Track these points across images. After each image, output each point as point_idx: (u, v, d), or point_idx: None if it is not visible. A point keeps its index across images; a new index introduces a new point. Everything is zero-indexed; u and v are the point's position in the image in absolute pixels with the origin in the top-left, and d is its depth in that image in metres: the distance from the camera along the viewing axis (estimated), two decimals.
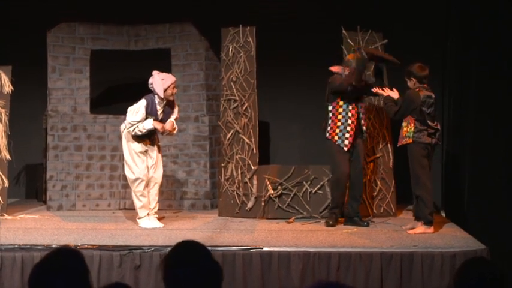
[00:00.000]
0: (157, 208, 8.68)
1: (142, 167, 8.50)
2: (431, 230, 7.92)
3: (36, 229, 8.36)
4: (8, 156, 9.53)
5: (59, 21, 10.39)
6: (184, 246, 3.49)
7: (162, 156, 9.32)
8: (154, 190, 8.60)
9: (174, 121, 8.61)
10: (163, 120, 8.54)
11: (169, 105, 8.59)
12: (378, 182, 9.24)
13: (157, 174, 8.60)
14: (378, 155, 9.27)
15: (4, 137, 9.52)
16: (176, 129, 8.69)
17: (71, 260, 3.29)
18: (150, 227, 8.43)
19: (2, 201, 9.42)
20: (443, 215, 9.52)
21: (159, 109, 8.50)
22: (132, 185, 8.57)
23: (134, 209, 8.73)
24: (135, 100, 8.58)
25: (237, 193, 9.33)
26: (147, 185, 8.54)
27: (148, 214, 8.53)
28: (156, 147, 8.61)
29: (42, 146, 10.95)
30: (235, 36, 9.56)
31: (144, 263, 6.94)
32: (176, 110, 8.69)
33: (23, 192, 11.75)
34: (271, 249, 7.03)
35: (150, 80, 8.45)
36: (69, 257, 3.30)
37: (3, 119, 9.55)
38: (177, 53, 10.37)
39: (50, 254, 3.35)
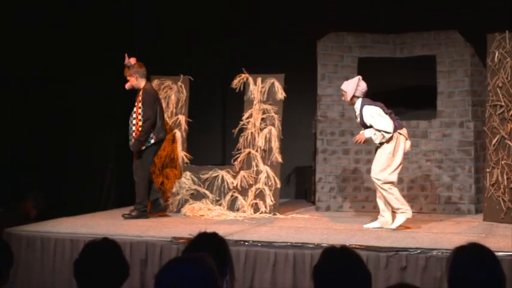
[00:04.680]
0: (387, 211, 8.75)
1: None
2: None
3: (307, 228, 8.73)
4: (280, 159, 10.13)
5: (328, 31, 10.81)
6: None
7: (427, 161, 9.53)
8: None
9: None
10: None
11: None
12: None
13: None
14: None
15: (277, 141, 10.13)
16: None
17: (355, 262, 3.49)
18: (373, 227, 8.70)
19: (274, 201, 10.01)
20: None
21: None
22: None
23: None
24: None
25: (502, 199, 9.22)
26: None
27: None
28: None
29: (311, 149, 11.45)
30: (501, 42, 9.44)
31: (410, 264, 7.01)
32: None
33: (293, 192, 12.33)
34: None
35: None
36: (352, 259, 3.51)
37: (276, 124, 10.16)
38: (442, 59, 10.46)
39: (331, 253, 3.58)
